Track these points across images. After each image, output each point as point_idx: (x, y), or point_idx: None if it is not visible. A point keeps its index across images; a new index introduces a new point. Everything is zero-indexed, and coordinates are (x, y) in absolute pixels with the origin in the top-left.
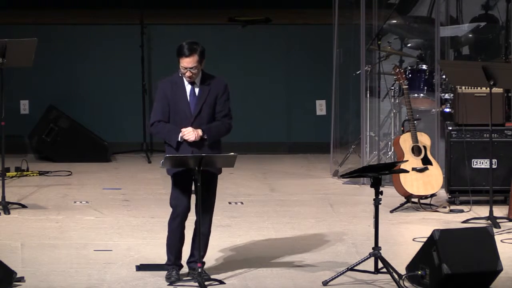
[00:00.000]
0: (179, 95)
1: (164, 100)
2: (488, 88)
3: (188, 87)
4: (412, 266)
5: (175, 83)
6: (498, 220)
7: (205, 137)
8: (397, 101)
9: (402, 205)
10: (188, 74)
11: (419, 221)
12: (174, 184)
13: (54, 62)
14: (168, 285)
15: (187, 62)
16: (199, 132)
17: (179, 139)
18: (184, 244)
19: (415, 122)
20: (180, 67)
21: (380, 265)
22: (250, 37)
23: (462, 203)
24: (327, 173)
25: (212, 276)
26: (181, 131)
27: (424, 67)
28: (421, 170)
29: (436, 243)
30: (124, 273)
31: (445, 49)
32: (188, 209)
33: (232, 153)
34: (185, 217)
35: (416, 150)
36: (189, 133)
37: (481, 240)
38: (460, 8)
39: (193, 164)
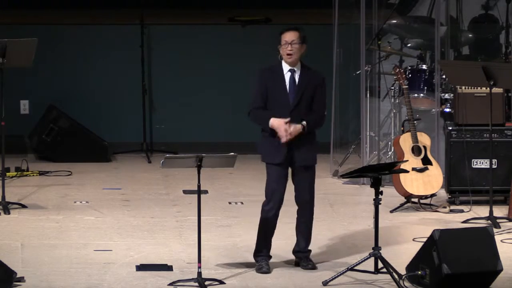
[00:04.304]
0: (278, 83)
1: (262, 88)
2: (488, 88)
3: (287, 76)
4: (412, 266)
5: (274, 71)
6: (498, 220)
7: (304, 131)
8: (397, 101)
9: (402, 205)
10: (288, 48)
11: (419, 221)
12: (268, 172)
13: (54, 62)
14: (168, 284)
15: (288, 36)
16: (293, 133)
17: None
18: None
19: (415, 122)
20: (281, 47)
21: (380, 265)
22: (250, 37)
23: (462, 203)
24: (327, 173)
25: (212, 276)
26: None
27: (424, 67)
28: (421, 170)
29: (436, 243)
30: (124, 273)
31: (445, 49)
32: (281, 203)
33: (232, 153)
34: (278, 206)
35: (416, 150)
36: (282, 136)
37: (481, 240)
38: (460, 8)
39: (193, 164)
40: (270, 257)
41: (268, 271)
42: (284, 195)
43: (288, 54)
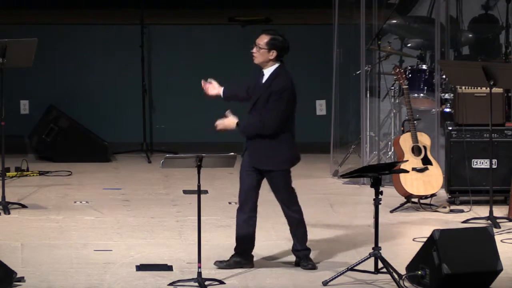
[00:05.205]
0: (255, 82)
1: (250, 81)
2: (488, 88)
3: (259, 75)
4: (412, 266)
5: (258, 71)
6: (498, 220)
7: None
8: (397, 101)
9: (402, 205)
10: (253, 50)
11: (419, 221)
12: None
13: (54, 62)
14: (168, 284)
15: (259, 38)
16: (219, 125)
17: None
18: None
19: (415, 122)
20: None
21: (380, 265)
22: (250, 37)
23: (462, 203)
24: (327, 173)
25: (212, 276)
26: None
27: (424, 67)
28: (421, 170)
29: (436, 243)
30: (124, 273)
31: (445, 49)
32: (244, 201)
33: (232, 153)
34: (241, 204)
35: (416, 150)
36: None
37: (481, 240)
38: (460, 8)
39: (193, 164)
40: (243, 256)
41: (220, 268)
42: (250, 194)
43: (252, 55)
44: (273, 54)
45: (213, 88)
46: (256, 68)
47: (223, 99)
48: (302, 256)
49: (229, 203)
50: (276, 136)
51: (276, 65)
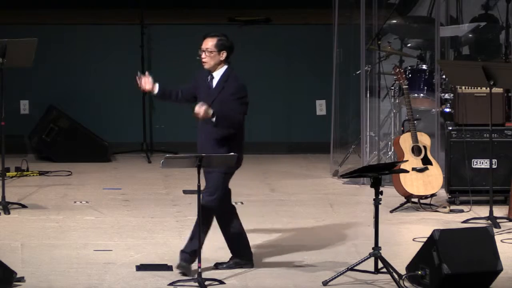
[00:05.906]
0: (201, 86)
1: (192, 84)
2: (488, 88)
3: (208, 79)
4: (412, 266)
5: (202, 74)
6: (498, 220)
7: (213, 119)
8: (397, 101)
9: (402, 205)
10: (202, 55)
11: (419, 221)
12: None
13: (54, 62)
14: (168, 284)
15: (204, 43)
16: (206, 111)
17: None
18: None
19: (415, 122)
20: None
21: (380, 265)
22: (250, 37)
23: (462, 203)
24: (327, 173)
25: (212, 276)
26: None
27: (424, 67)
28: (421, 170)
29: (436, 243)
30: (124, 273)
31: (445, 49)
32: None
33: (232, 153)
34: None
35: (416, 150)
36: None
37: (481, 240)
38: (460, 8)
39: (193, 164)
40: (242, 257)
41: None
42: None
43: (202, 61)
44: (224, 54)
45: (149, 82)
46: (200, 71)
47: (156, 96)
48: (183, 258)
49: None
50: (229, 137)
51: (225, 67)
